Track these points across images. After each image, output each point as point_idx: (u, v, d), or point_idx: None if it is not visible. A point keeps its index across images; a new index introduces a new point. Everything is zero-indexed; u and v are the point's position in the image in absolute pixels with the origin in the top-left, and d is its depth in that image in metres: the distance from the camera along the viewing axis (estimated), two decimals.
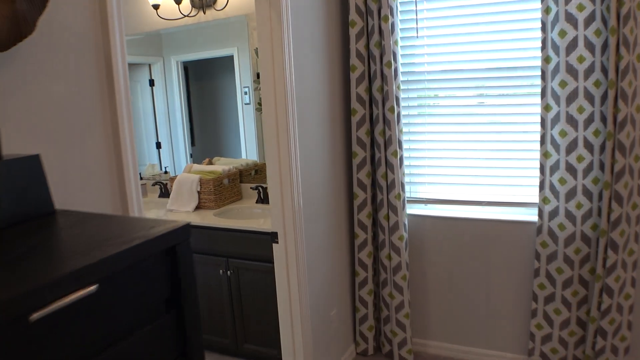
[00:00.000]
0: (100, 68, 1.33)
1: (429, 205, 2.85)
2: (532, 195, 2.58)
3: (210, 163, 3.66)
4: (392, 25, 2.51)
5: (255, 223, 2.76)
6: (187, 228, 0.85)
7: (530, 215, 2.60)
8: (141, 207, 1.44)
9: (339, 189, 2.72)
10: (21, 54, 1.13)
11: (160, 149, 3.88)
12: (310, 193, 2.42)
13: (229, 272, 2.88)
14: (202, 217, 3.02)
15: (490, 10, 2.50)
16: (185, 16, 3.35)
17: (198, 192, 3.23)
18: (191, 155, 3.65)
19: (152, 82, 3.84)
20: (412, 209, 2.85)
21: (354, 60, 2.62)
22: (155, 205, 3.64)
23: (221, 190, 3.24)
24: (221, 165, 3.39)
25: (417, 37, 2.67)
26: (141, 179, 3.84)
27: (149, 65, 3.82)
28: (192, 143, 3.73)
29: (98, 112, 1.33)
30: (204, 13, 3.28)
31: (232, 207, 3.23)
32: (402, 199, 2.67)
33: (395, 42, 2.54)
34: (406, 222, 2.73)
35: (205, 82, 3.51)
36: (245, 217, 3.19)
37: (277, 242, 2.36)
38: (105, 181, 1.36)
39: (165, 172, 3.94)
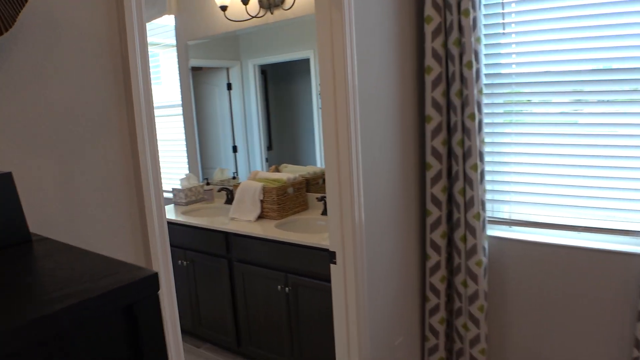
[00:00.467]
0: (116, 72, 1.16)
1: (514, 228, 2.49)
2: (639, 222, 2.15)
3: (277, 170, 3.50)
4: (474, 20, 2.20)
5: (317, 237, 2.54)
6: (153, 280, 0.64)
7: (636, 246, 2.17)
8: (164, 228, 1.26)
9: (410, 204, 2.43)
10: (10, 55, 0.98)
11: (237, 153, 3.80)
12: (375, 208, 2.17)
13: (287, 288, 2.68)
14: (263, 228, 2.85)
15: (591, 2, 2.11)
16: (253, 17, 3.22)
17: (261, 200, 3.08)
18: (267, 160, 3.54)
19: (229, 86, 3.78)
20: (493, 231, 2.50)
21: (429, 61, 2.33)
22: (220, 211, 3.53)
23: (285, 200, 3.06)
24: (286, 174, 3.21)
25: (504, 33, 2.33)
26: (207, 184, 3.77)
27: (227, 69, 3.76)
28: (270, 147, 3.62)
29: (112, 122, 1.16)
30: (272, 13, 3.12)
31: (295, 218, 3.04)
32: (482, 219, 2.34)
33: (478, 40, 2.22)
34: (486, 246, 2.39)
35: (282, 85, 3.37)
36: (308, 229, 2.98)
37: (334, 263, 2.12)
38: (120, 199, 1.19)
39: (234, 178, 3.84)
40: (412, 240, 2.49)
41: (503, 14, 2.33)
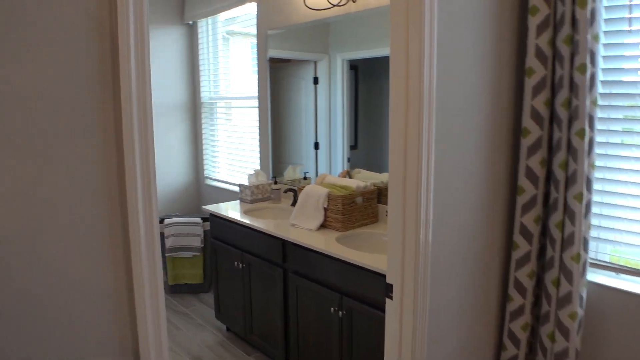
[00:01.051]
0: (103, 58, 0.91)
1: (622, 275, 1.99)
2: None
3: (349, 175, 3.19)
4: (592, 12, 1.74)
5: (380, 259, 2.20)
6: None
7: None
8: (155, 259, 1.00)
9: (492, 233, 2.02)
10: None
11: (318, 150, 3.56)
12: (447, 234, 1.79)
13: (340, 312, 2.37)
14: (322, 240, 2.56)
15: None
16: (334, 6, 2.92)
17: (325, 208, 2.78)
18: (349, 160, 3.27)
19: (316, 80, 3.55)
20: (594, 276, 2.03)
21: (531, 61, 1.89)
22: (285, 214, 3.29)
23: (351, 210, 2.74)
24: (357, 181, 2.89)
25: (630, 31, 1.84)
26: (275, 182, 3.54)
27: (315, 62, 3.54)
28: (354, 146, 3.34)
29: (93, 116, 0.92)
30: (354, 2, 2.80)
31: (361, 232, 2.71)
32: (582, 262, 1.88)
33: (595, 37, 1.76)
34: (584, 295, 1.93)
35: (373, 83, 3.07)
36: (373, 247, 2.65)
37: (391, 298, 1.78)
38: (97, 214, 0.94)
39: (305, 178, 3.59)
40: (492, 276, 2.08)
41: (630, 7, 1.84)
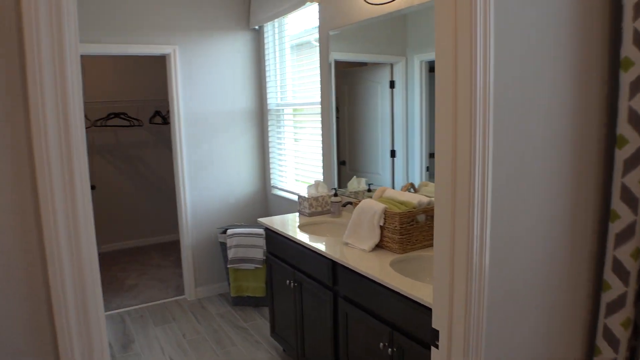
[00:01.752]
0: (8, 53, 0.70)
1: None
2: None
3: (413, 188, 2.85)
4: None
5: None
6: None
7: None
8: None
9: (574, 271, 1.60)
10: None
11: (395, 158, 3.26)
12: (509, 273, 1.42)
13: (390, 349, 2.05)
14: (375, 263, 2.25)
15: None
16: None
17: (381, 226, 2.47)
18: (427, 169, 2.95)
19: (392, 84, 3.27)
20: None
21: (628, 50, 1.47)
22: (343, 230, 3.01)
23: (411, 230, 2.41)
24: (420, 196, 2.54)
25: None
26: (335, 194, 3.27)
27: (391, 65, 3.26)
28: (433, 154, 3.01)
29: None
30: None
31: (421, 255, 2.37)
32: None
33: None
34: None
35: None
36: (431, 274, 2.29)
37: (437, 346, 1.44)
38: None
39: (369, 190, 3.29)
40: (574, 324, 1.65)
41: None
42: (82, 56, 4.85)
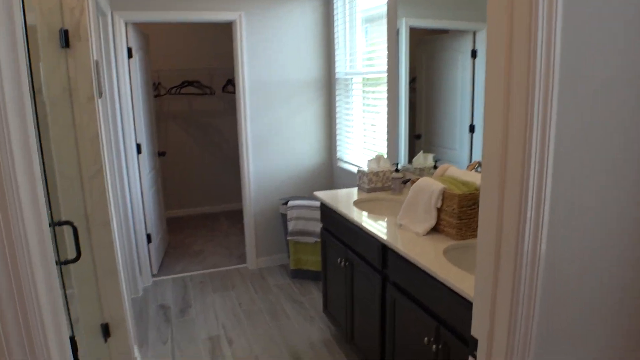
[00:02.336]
0: None
1: None
2: None
3: (481, 167, 2.57)
4: None
5: None
6: None
7: None
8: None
9: None
10: None
11: (474, 134, 3.02)
12: (566, 279, 1.18)
13: (435, 345, 1.86)
14: (428, 250, 2.04)
15: None
16: None
17: (438, 208, 2.25)
18: None
19: (474, 53, 2.99)
20: None
21: None
22: (400, 207, 2.81)
23: (471, 214, 2.17)
24: None
25: None
26: (397, 170, 3.05)
27: (473, 32, 2.98)
28: None
29: None
30: None
31: None
32: None
33: None
34: None
35: None
36: None
37: (475, 356, 1.24)
38: None
39: (435, 167, 3.05)
40: None
41: None
42: (150, 23, 4.90)
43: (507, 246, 1.12)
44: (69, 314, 1.98)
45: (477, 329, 1.22)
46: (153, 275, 4.22)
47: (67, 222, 1.98)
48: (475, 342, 1.23)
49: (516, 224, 1.10)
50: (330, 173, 4.49)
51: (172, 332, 3.26)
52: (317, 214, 3.85)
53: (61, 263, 1.98)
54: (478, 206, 2.18)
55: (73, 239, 1.99)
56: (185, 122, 5.97)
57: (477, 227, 2.16)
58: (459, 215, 2.14)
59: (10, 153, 0.90)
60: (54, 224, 1.90)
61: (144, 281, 4.03)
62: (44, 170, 1.91)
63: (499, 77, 1.08)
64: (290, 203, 3.95)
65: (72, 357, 0.97)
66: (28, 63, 1.95)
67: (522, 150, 1.06)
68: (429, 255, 1.98)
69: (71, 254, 2.21)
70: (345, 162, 4.26)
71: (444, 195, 2.22)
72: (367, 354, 2.58)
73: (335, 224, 2.84)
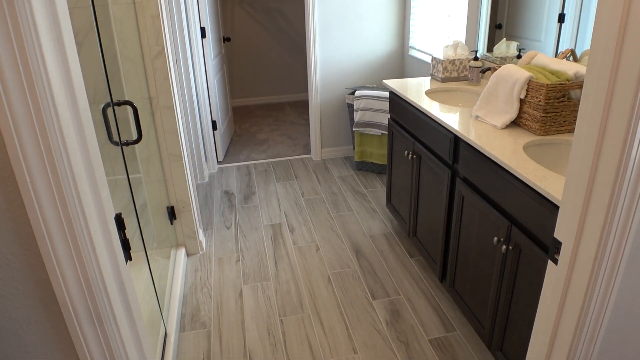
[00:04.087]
0: None
1: None
2: None
3: (573, 56, 2.27)
4: None
5: None
6: None
7: None
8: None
9: None
10: None
11: (563, 24, 2.67)
12: None
13: (504, 246, 1.73)
14: (506, 144, 1.86)
15: None
16: None
17: (521, 99, 2.02)
18: None
19: None
20: None
21: None
22: (477, 99, 2.58)
23: (559, 107, 1.92)
24: (579, 66, 2.00)
25: None
26: (475, 58, 2.76)
27: None
28: None
29: None
30: None
31: (566, 140, 1.91)
32: None
33: None
34: None
35: None
36: None
37: (555, 261, 1.11)
38: None
39: (519, 57, 2.74)
40: None
41: None
42: None
43: (611, 144, 0.94)
44: (132, 194, 2.00)
45: (563, 231, 1.07)
46: (218, 162, 4.27)
47: (127, 102, 1.94)
48: (557, 245, 1.09)
49: (626, 123, 0.90)
50: (401, 62, 4.21)
51: (236, 217, 3.33)
52: (385, 105, 3.66)
53: (122, 144, 1.96)
54: (568, 98, 1.93)
55: (134, 119, 1.96)
56: (251, 6, 5.71)
57: (563, 122, 1.94)
58: (544, 108, 1.91)
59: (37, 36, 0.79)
60: (114, 104, 1.86)
61: (210, 167, 4.10)
62: (102, 52, 1.84)
63: None
64: (358, 93, 3.77)
65: (117, 234, 0.92)
66: None
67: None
68: (506, 149, 1.80)
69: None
70: (418, 50, 3.95)
71: (529, 85, 1.97)
72: (429, 249, 2.51)
73: (404, 115, 2.66)
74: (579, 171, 1.01)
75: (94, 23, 1.90)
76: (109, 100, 1.87)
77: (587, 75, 0.97)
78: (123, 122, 2.36)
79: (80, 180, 0.86)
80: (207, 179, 3.96)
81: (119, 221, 0.96)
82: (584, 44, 2.35)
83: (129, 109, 2.20)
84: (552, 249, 1.11)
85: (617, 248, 0.99)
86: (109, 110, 1.87)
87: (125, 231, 1.00)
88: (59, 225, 0.84)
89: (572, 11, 2.46)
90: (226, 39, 4.75)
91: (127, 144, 2.04)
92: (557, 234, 1.09)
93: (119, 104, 1.94)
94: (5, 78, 0.80)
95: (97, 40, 1.87)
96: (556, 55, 2.48)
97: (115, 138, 1.93)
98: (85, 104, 0.94)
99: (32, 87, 0.81)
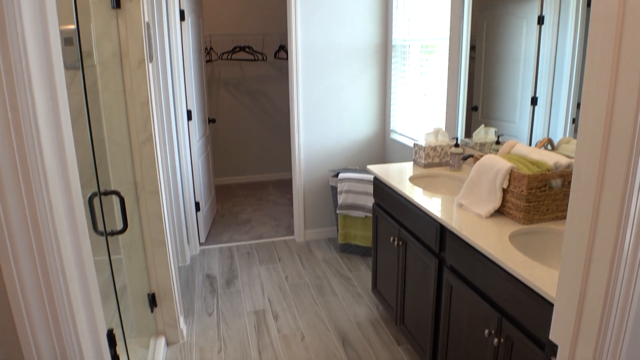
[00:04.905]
0: None
1: None
2: None
3: (551, 145, 2.36)
4: None
5: None
6: None
7: None
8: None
9: None
10: None
11: (536, 106, 2.80)
12: None
13: (496, 339, 1.71)
14: (491, 234, 1.88)
15: None
16: None
17: (503, 189, 2.06)
18: (573, 121, 2.46)
19: (540, 20, 2.75)
20: None
21: None
22: (461, 186, 2.63)
23: (541, 197, 1.97)
24: (558, 155, 2.08)
25: None
26: (456, 145, 2.85)
27: None
28: None
29: None
30: None
31: (551, 229, 1.94)
32: None
33: None
34: None
35: None
36: (560, 255, 1.86)
37: None
38: None
39: (498, 143, 2.84)
40: None
41: None
42: None
43: (604, 237, 0.95)
44: (114, 284, 1.95)
45: (558, 333, 1.06)
46: (201, 244, 4.22)
47: (114, 192, 1.93)
48: (553, 347, 1.08)
49: (617, 215, 0.92)
50: (383, 145, 4.32)
51: (218, 303, 3.24)
52: (369, 188, 3.71)
53: (107, 234, 1.93)
54: (549, 188, 1.98)
55: (120, 209, 1.94)
56: (236, 88, 5.89)
57: (546, 210, 1.98)
58: (527, 197, 1.95)
59: (35, 121, 0.80)
60: (101, 193, 1.85)
61: (192, 249, 4.04)
62: (91, 138, 1.85)
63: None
64: (341, 175, 3.82)
65: (109, 353, 0.88)
66: (76, 25, 1.87)
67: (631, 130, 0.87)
68: (492, 239, 1.82)
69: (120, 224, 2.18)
70: (399, 134, 4.07)
71: (511, 175, 2.03)
72: (417, 338, 2.45)
73: (388, 201, 2.69)
74: (571, 269, 1.02)
75: (85, 109, 1.93)
76: (96, 188, 1.86)
77: (576, 163, 1.01)
78: (107, 209, 2.33)
79: (75, 299, 0.83)
80: (188, 262, 3.88)
81: (111, 337, 0.92)
82: (557, 126, 2.47)
83: (115, 197, 2.19)
84: (548, 350, 1.10)
85: (613, 352, 0.98)
86: (96, 200, 1.85)
87: (117, 347, 0.96)
88: (49, 341, 0.80)
89: (543, 95, 2.60)
90: (211, 120, 4.85)
91: (112, 234, 2.01)
92: (553, 337, 1.08)
93: (106, 193, 1.93)
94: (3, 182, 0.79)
95: (88, 126, 1.89)
96: (531, 139, 2.59)
97: (101, 228, 1.91)
98: (78, 197, 0.93)
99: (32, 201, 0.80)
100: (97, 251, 2.25)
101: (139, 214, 2.60)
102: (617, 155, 0.91)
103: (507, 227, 1.94)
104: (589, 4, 2.26)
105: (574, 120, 2.43)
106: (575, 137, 2.33)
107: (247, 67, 5.86)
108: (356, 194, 3.77)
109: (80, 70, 1.88)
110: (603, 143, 0.94)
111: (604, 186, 0.95)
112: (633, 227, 0.91)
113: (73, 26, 1.82)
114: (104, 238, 1.96)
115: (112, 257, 2.22)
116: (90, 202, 1.86)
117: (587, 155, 0.97)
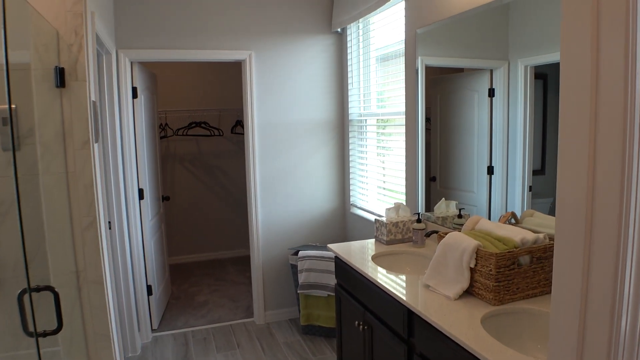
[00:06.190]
0: None
1: None
2: None
3: (514, 219, 2.31)
4: None
5: None
6: None
7: None
8: None
9: None
10: None
11: (492, 175, 2.77)
12: None
13: None
14: (461, 318, 1.76)
15: None
16: None
17: (471, 268, 1.97)
18: (530, 189, 2.44)
19: (491, 92, 2.79)
20: None
21: None
22: (427, 264, 2.53)
23: (511, 275, 1.88)
24: (524, 231, 2.02)
25: None
26: (419, 220, 2.79)
27: (490, 71, 2.78)
28: (540, 171, 2.49)
29: None
30: None
31: (524, 309, 1.84)
32: None
33: None
34: None
35: None
36: (542, 337, 1.76)
37: None
38: None
39: (460, 216, 2.78)
40: None
41: None
42: (158, 63, 4.77)
43: (595, 321, 0.85)
44: None
45: None
46: (153, 331, 3.91)
47: (47, 288, 1.73)
48: None
49: (610, 295, 0.83)
50: (344, 220, 4.23)
51: None
52: (330, 266, 3.57)
53: (39, 335, 1.71)
54: (517, 265, 1.90)
55: (54, 306, 1.73)
56: (192, 164, 5.77)
57: (516, 289, 1.89)
58: (496, 277, 1.86)
59: None
60: (31, 290, 1.64)
61: (143, 337, 3.73)
62: (22, 230, 1.67)
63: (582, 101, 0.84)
64: (301, 253, 3.68)
65: None
66: (9, 104, 1.73)
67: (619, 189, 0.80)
68: (463, 324, 1.70)
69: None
70: (360, 208, 4.00)
71: (478, 254, 1.95)
72: None
73: (352, 282, 2.56)
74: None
75: (16, 198, 1.76)
76: (26, 284, 1.66)
77: (557, 240, 0.92)
78: (47, 302, 2.10)
79: None
80: (139, 351, 3.57)
81: None
82: (515, 194, 2.45)
83: (50, 294, 1.97)
84: None
85: None
86: (25, 297, 1.65)
87: None
88: None
89: (499, 164, 2.60)
90: (165, 198, 4.67)
91: (45, 334, 1.78)
92: None
93: (38, 289, 1.72)
94: None
95: (18, 217, 1.71)
96: (490, 208, 2.55)
97: (31, 328, 1.69)
98: None
99: None
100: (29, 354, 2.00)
101: (80, 306, 2.36)
102: (604, 233, 0.83)
103: (478, 310, 1.83)
104: (536, 77, 2.31)
105: (531, 188, 2.42)
106: (534, 208, 2.30)
107: (203, 143, 5.77)
108: (318, 272, 3.62)
109: (12, 153, 1.72)
110: (587, 219, 0.86)
111: (590, 277, 0.87)
112: (628, 315, 0.82)
113: (5, 106, 1.68)
114: (34, 340, 1.73)
115: (50, 350, 1.98)
116: (20, 301, 1.65)
117: (569, 236, 0.88)
